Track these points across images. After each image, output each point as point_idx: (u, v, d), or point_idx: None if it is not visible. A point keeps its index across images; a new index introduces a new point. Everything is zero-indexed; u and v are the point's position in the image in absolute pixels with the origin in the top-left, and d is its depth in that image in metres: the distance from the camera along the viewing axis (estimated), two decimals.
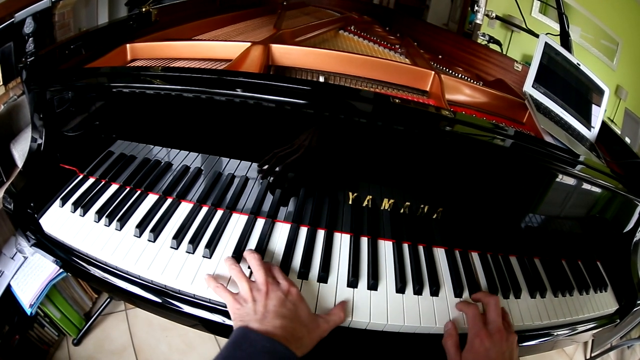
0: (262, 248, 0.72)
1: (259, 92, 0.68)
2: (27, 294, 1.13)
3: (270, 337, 0.53)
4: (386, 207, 0.77)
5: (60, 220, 0.75)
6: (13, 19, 0.93)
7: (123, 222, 0.73)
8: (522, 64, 1.29)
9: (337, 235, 0.77)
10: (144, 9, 1.13)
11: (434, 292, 0.71)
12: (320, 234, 0.77)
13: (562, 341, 0.80)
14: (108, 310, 1.41)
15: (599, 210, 0.84)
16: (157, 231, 0.71)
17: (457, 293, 0.72)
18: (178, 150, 0.78)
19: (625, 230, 0.89)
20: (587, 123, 1.06)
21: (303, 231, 0.77)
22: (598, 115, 1.08)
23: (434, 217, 0.78)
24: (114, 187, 0.81)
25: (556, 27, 1.31)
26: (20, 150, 1.00)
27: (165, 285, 0.66)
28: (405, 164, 0.75)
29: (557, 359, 1.59)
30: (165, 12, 1.20)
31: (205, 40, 1.02)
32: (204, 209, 0.77)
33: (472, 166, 0.75)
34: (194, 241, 0.70)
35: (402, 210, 0.77)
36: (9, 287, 1.13)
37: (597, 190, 0.80)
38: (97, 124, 0.80)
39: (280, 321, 0.56)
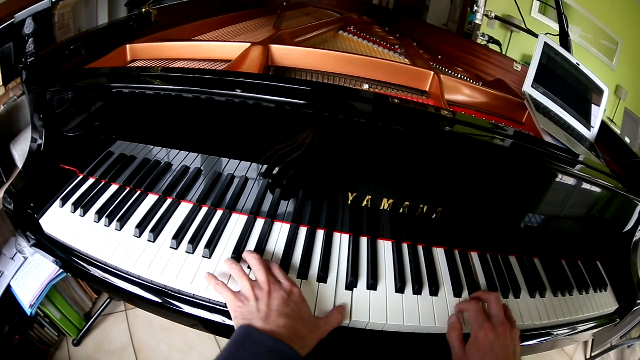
0: (261, 248, 0.72)
1: (258, 92, 0.69)
2: (27, 294, 1.13)
3: (274, 337, 0.53)
4: (386, 207, 0.77)
5: (60, 220, 0.76)
6: (13, 20, 0.93)
7: (123, 222, 0.73)
8: (521, 64, 1.29)
9: (337, 235, 0.77)
10: (144, 10, 1.13)
11: (434, 292, 0.71)
12: (320, 234, 0.77)
13: (562, 341, 0.80)
14: (108, 311, 1.41)
15: (599, 210, 0.85)
16: (157, 231, 0.72)
17: (457, 293, 0.72)
18: (178, 151, 0.78)
19: (625, 230, 0.89)
20: (587, 123, 1.07)
21: (303, 231, 0.77)
22: (598, 115, 1.08)
23: (434, 217, 0.78)
24: (114, 188, 0.81)
25: (556, 27, 1.31)
26: (20, 151, 1.01)
27: (165, 286, 0.66)
28: (404, 164, 0.75)
29: (557, 359, 1.59)
30: (165, 12, 1.20)
31: (205, 40, 1.03)
32: (204, 209, 0.78)
33: (471, 166, 0.75)
34: (194, 241, 0.70)
35: (401, 210, 0.77)
36: (9, 287, 1.13)
37: (597, 190, 0.80)
38: (97, 125, 0.81)
39: (284, 320, 0.56)
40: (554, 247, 0.88)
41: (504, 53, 1.45)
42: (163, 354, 1.35)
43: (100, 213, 0.74)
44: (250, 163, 0.75)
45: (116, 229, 0.73)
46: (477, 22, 1.43)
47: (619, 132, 1.32)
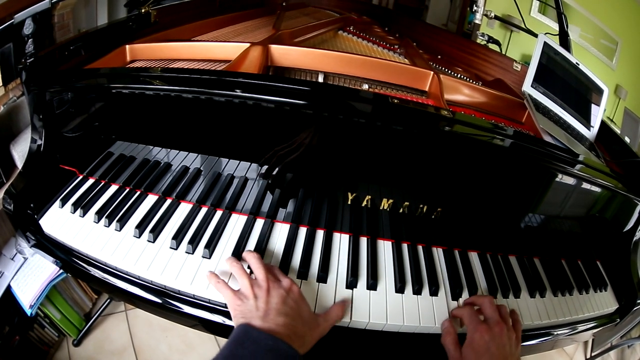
0: (261, 248, 0.72)
1: (258, 92, 0.69)
2: (27, 294, 1.13)
3: (273, 335, 0.53)
4: (385, 207, 0.77)
5: (60, 221, 0.75)
6: (13, 20, 0.93)
7: (123, 222, 0.73)
8: (521, 63, 1.29)
9: (337, 235, 0.77)
10: (143, 10, 1.13)
11: (433, 292, 0.71)
12: (320, 234, 0.77)
13: (562, 341, 0.80)
14: (108, 311, 1.41)
15: (599, 209, 0.85)
16: (156, 232, 0.72)
17: (457, 293, 0.72)
18: (177, 151, 0.78)
19: (625, 230, 0.89)
20: (587, 122, 1.07)
21: (302, 231, 0.77)
22: (597, 114, 1.08)
23: (433, 217, 0.78)
24: (113, 188, 0.81)
25: (555, 26, 1.31)
26: (20, 151, 1.01)
27: (165, 286, 0.66)
28: (404, 164, 0.75)
29: (557, 359, 1.59)
30: (165, 13, 1.20)
31: (204, 41, 1.03)
32: (204, 210, 0.78)
33: (471, 166, 0.75)
34: (194, 241, 0.70)
35: (401, 210, 0.77)
36: (9, 287, 1.13)
37: (597, 189, 0.80)
38: (97, 125, 0.81)
39: (283, 319, 0.56)
40: (553, 247, 0.88)
41: (503, 53, 1.44)
42: (163, 354, 1.35)
43: (100, 213, 0.74)
44: (249, 163, 0.75)
45: (116, 229, 0.73)
46: (477, 21, 1.42)
47: (618, 131, 1.32)
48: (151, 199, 0.79)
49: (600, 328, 0.84)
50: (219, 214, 0.77)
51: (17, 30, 0.93)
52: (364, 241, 0.77)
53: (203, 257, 0.69)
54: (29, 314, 1.13)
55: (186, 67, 0.94)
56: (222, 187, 0.78)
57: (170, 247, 0.70)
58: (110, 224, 0.73)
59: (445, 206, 0.77)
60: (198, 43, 1.00)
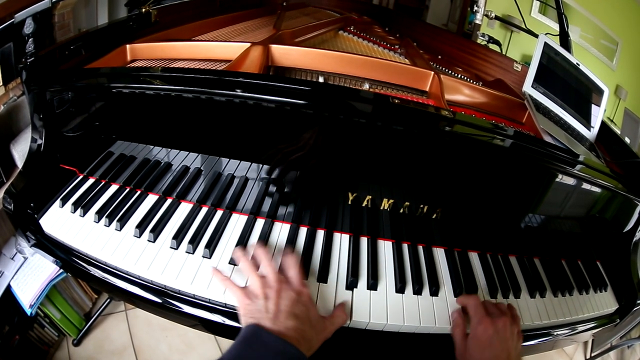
0: None
1: (258, 92, 0.69)
2: (27, 294, 1.13)
3: (282, 339, 0.53)
4: (386, 207, 0.77)
5: (60, 220, 0.75)
6: (13, 20, 0.93)
7: (123, 222, 0.73)
8: (521, 64, 1.29)
9: (337, 235, 0.77)
10: (143, 10, 1.13)
11: (434, 292, 0.71)
12: (320, 234, 0.77)
13: (562, 341, 0.80)
14: (108, 311, 1.41)
15: (599, 210, 0.85)
16: (157, 231, 0.71)
17: (457, 293, 0.72)
18: (178, 151, 0.78)
19: (625, 230, 0.89)
20: (587, 123, 1.07)
21: (303, 231, 0.77)
22: (597, 115, 1.08)
23: (434, 217, 0.78)
24: (113, 188, 0.81)
25: (556, 27, 1.31)
26: (20, 151, 1.01)
27: (165, 286, 0.66)
28: (404, 164, 0.75)
29: (557, 359, 1.59)
30: (165, 12, 1.20)
31: (205, 40, 1.03)
32: (204, 209, 0.77)
33: (471, 166, 0.75)
34: (194, 241, 0.70)
35: (401, 210, 0.77)
36: (9, 287, 1.13)
37: (597, 190, 0.80)
38: (97, 125, 0.81)
39: (293, 322, 0.55)
40: (554, 247, 0.88)
41: (503, 53, 1.45)
42: (163, 354, 1.35)
43: (100, 213, 0.74)
44: (250, 163, 0.75)
45: (116, 229, 0.73)
46: (477, 22, 1.43)
47: (618, 132, 1.32)
48: (151, 199, 0.79)
49: (600, 328, 0.84)
50: (219, 213, 0.77)
51: (17, 30, 0.93)
52: (364, 241, 0.77)
53: (203, 256, 0.69)
54: (28, 314, 1.13)
55: (187, 66, 0.94)
56: (223, 187, 0.78)
57: (171, 247, 0.70)
58: (110, 223, 0.73)
59: (445, 206, 0.77)
60: (198, 43, 1.00)
